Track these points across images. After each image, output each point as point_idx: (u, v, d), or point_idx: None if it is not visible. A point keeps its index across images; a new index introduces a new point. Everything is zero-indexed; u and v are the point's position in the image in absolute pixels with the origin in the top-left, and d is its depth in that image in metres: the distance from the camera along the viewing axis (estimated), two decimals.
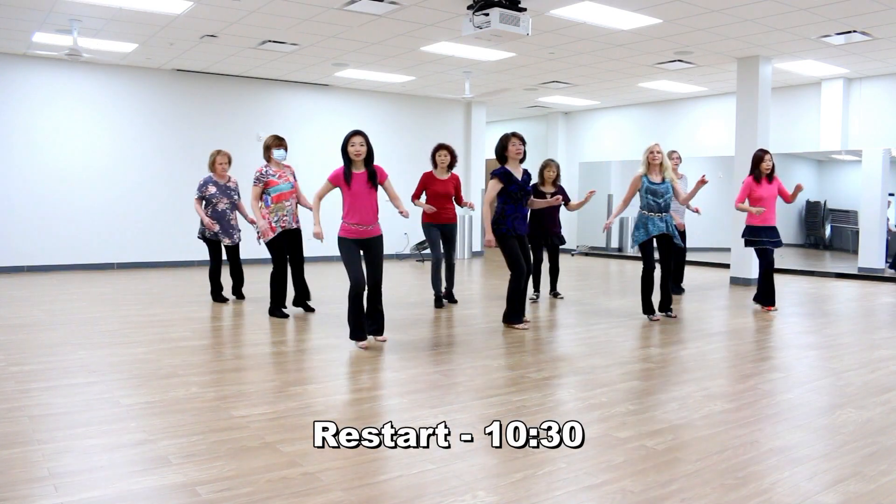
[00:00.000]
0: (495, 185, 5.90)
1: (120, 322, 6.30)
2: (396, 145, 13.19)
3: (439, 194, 7.18)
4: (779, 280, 10.37)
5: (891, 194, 10.96)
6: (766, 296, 7.25)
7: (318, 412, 3.69)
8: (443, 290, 7.40)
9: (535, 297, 7.85)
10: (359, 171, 5.12)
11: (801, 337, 6.03)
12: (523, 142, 6.00)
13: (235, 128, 11.66)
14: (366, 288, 5.21)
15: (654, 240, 6.58)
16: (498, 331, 6.03)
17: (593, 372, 4.65)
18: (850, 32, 8.16)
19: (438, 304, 7.31)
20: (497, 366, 4.78)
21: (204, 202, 7.23)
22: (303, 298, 6.86)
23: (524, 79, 11.55)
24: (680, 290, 8.50)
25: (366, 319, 5.28)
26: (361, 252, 5.21)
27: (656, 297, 6.81)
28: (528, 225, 6.70)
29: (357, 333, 5.23)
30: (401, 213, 5.27)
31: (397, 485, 2.76)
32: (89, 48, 9.15)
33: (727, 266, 10.65)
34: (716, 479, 2.84)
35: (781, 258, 11.71)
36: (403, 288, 8.97)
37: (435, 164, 7.24)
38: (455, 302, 7.51)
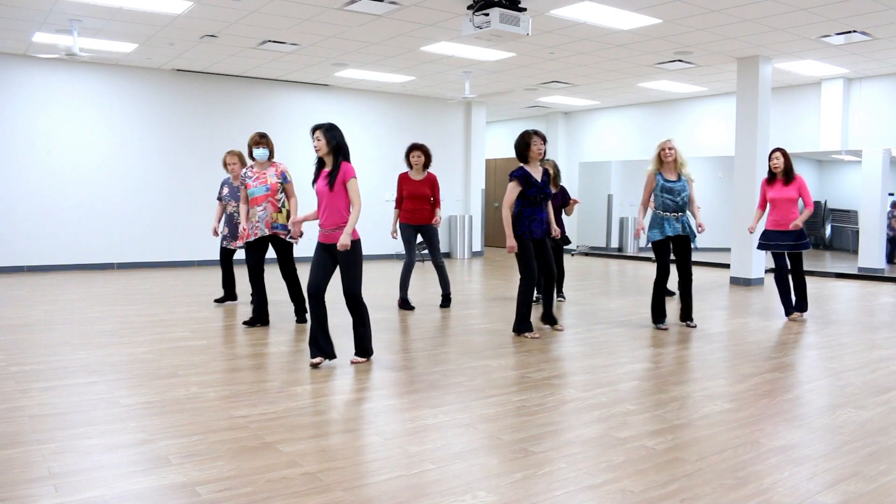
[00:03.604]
0: (514, 188, 5.60)
1: (120, 322, 6.30)
2: (396, 145, 13.18)
3: (415, 195, 7.05)
4: None
5: (891, 194, 10.96)
6: (786, 303, 6.80)
7: (318, 412, 3.70)
8: (408, 294, 7.23)
9: (561, 298, 7.89)
10: (326, 169, 4.64)
11: (801, 337, 6.03)
12: (545, 140, 5.76)
13: (236, 128, 11.64)
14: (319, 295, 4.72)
15: (671, 242, 6.15)
16: (497, 331, 6.04)
17: (593, 372, 4.65)
18: (850, 32, 8.16)
19: (405, 306, 7.12)
20: (497, 366, 4.79)
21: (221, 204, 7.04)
22: (300, 312, 6.30)
23: (524, 79, 11.55)
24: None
25: (322, 335, 4.71)
26: (330, 261, 4.70)
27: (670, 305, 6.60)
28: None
29: (312, 349, 4.70)
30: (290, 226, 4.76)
31: (397, 485, 2.76)
32: (89, 48, 9.15)
33: (727, 266, 10.64)
34: (716, 479, 2.84)
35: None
36: None
37: (410, 165, 7.13)
38: (448, 306, 7.30)
